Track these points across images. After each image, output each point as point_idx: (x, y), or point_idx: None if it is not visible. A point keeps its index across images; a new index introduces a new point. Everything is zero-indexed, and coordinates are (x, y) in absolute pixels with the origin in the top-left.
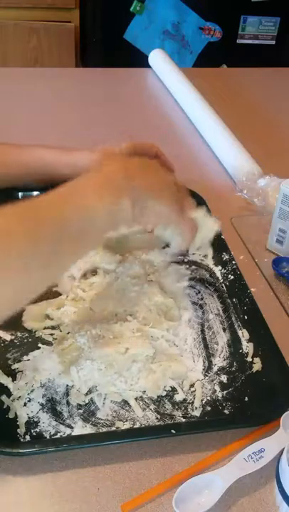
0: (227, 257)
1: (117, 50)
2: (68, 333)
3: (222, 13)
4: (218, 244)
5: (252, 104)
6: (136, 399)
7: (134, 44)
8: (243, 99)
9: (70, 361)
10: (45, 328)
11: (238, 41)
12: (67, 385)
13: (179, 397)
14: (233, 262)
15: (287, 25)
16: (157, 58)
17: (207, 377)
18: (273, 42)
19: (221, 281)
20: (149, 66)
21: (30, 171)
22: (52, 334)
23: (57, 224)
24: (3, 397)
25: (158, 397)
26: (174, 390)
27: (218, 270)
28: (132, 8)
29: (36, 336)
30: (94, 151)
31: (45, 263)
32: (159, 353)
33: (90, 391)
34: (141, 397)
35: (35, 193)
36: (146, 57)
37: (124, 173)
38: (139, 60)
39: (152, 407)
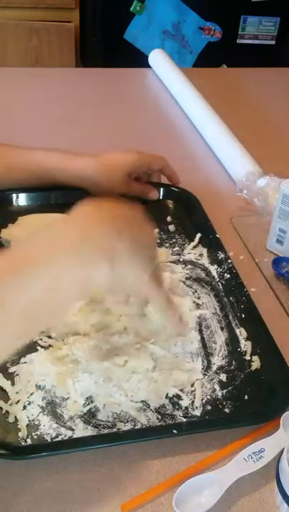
0: (222, 255)
1: (117, 50)
2: (63, 340)
3: (222, 13)
4: (214, 243)
5: (252, 104)
6: (137, 409)
7: (134, 44)
8: (243, 99)
9: (67, 373)
10: (42, 332)
11: (238, 41)
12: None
13: (183, 402)
14: (229, 261)
15: (287, 25)
16: (157, 58)
17: (206, 377)
18: (273, 42)
19: (217, 280)
20: (149, 66)
21: (32, 176)
22: (50, 337)
23: (13, 296)
24: (1, 402)
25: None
26: (177, 396)
27: (213, 269)
28: (132, 8)
29: (33, 339)
30: (97, 159)
31: None
32: (159, 362)
33: (89, 401)
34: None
35: (36, 193)
36: (146, 57)
37: (107, 227)
38: (139, 60)
39: (153, 407)
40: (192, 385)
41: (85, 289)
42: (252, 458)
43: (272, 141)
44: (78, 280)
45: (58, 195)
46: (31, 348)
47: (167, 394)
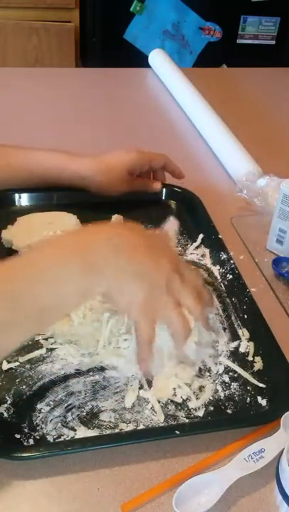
0: (225, 256)
1: (117, 50)
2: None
3: (222, 13)
4: (216, 244)
5: (252, 104)
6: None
7: (134, 44)
8: (243, 99)
9: None
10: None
11: (238, 41)
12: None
13: (191, 404)
14: (231, 262)
15: (287, 25)
16: (157, 58)
17: (209, 377)
18: (273, 42)
19: (220, 280)
20: (149, 66)
21: (32, 176)
22: (51, 337)
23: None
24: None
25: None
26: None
27: (216, 270)
28: (132, 8)
29: (36, 338)
30: (97, 159)
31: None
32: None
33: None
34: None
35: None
36: (146, 57)
37: (110, 250)
38: (139, 60)
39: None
40: (201, 388)
41: (86, 295)
42: (252, 458)
43: (272, 141)
44: (80, 286)
45: (60, 195)
46: (34, 347)
47: (175, 393)
